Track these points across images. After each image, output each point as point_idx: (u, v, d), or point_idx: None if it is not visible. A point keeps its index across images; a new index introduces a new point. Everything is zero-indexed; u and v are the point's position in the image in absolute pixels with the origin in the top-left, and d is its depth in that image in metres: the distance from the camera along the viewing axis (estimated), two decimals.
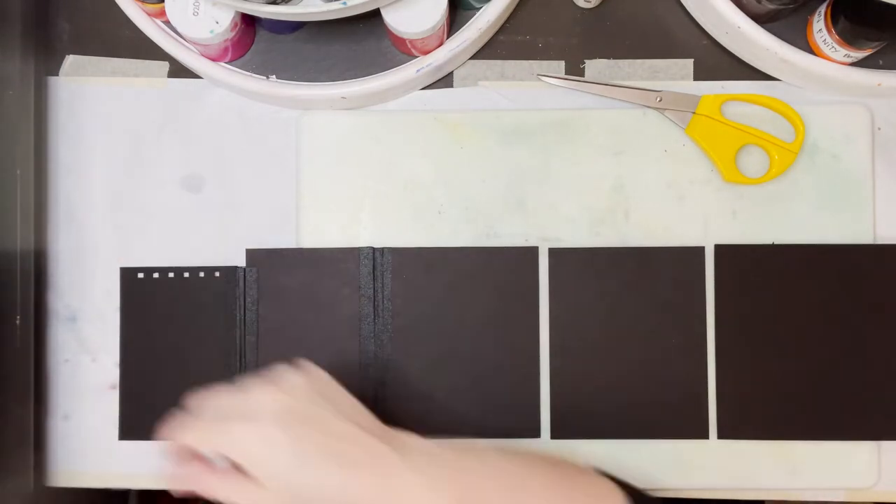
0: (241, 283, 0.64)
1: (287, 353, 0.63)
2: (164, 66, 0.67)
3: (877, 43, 0.57)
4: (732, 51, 0.65)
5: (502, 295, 0.63)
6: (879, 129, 0.65)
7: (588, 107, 0.64)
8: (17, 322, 0.62)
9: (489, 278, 0.63)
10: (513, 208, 0.64)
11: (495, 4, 0.61)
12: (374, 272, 0.64)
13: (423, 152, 0.65)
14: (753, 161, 0.64)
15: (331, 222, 0.65)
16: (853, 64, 0.61)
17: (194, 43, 0.61)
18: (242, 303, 0.64)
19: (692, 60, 0.65)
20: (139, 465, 0.65)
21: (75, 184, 0.67)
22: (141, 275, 0.65)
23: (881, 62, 0.62)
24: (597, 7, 0.66)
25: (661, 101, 0.63)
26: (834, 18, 0.58)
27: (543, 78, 0.64)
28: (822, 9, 0.59)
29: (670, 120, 0.64)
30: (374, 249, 0.64)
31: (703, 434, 0.63)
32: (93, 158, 0.67)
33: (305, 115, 0.65)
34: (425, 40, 0.60)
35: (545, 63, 0.66)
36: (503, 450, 0.51)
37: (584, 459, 0.63)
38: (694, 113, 0.63)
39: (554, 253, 0.64)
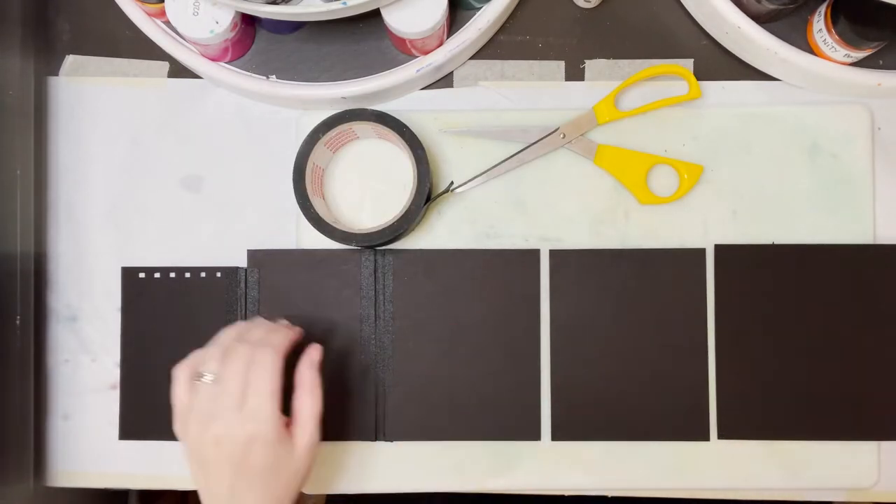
0: (243, 284, 0.64)
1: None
2: (164, 66, 0.67)
3: (877, 43, 0.57)
4: (732, 51, 0.65)
5: (503, 297, 0.63)
6: (879, 129, 0.65)
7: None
8: (17, 322, 0.62)
9: (490, 280, 0.63)
10: (513, 208, 0.64)
11: (495, 4, 0.61)
12: (375, 273, 0.64)
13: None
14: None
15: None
16: (853, 64, 0.61)
17: (194, 43, 0.61)
18: (244, 303, 0.64)
19: (692, 60, 0.65)
20: (139, 465, 0.65)
21: (75, 184, 0.67)
22: (142, 275, 0.65)
23: (881, 62, 0.62)
24: (597, 7, 0.66)
25: (564, 137, 0.64)
26: (834, 18, 0.58)
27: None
28: (822, 9, 0.59)
29: (578, 154, 0.64)
30: (375, 251, 0.64)
31: (703, 434, 0.63)
32: (93, 158, 0.67)
33: (305, 115, 0.65)
34: (425, 40, 0.60)
35: (545, 63, 0.66)
36: None
37: (585, 460, 0.63)
38: (598, 146, 0.63)
39: (555, 254, 0.64)
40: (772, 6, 0.58)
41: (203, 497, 0.52)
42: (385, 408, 0.63)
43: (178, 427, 0.53)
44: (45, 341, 0.66)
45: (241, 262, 0.65)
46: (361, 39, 0.63)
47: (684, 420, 0.63)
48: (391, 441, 0.63)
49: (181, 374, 0.53)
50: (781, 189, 0.64)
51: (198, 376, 0.53)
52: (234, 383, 0.51)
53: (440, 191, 0.63)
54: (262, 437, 0.51)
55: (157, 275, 0.65)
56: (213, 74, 0.63)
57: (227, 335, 0.55)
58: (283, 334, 0.55)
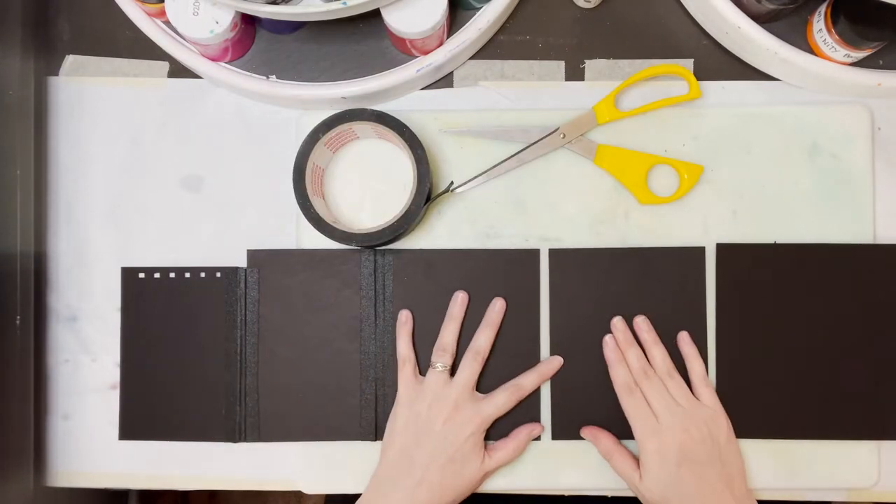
0: (243, 284, 0.64)
1: (288, 354, 0.63)
2: (164, 66, 0.67)
3: (877, 43, 0.57)
4: (732, 51, 0.65)
5: (503, 297, 0.63)
6: (879, 129, 0.65)
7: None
8: (17, 322, 0.62)
9: (490, 280, 0.63)
10: (513, 208, 0.64)
11: (495, 4, 0.61)
12: (374, 273, 0.64)
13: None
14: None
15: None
16: (853, 64, 0.61)
17: (194, 43, 0.61)
18: (243, 303, 0.64)
19: (692, 60, 0.65)
20: (139, 465, 0.65)
21: (75, 184, 0.67)
22: (142, 275, 0.65)
23: (881, 62, 0.62)
24: (597, 7, 0.66)
25: (564, 137, 0.64)
26: (834, 18, 0.58)
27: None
28: (822, 9, 0.59)
29: (578, 154, 0.64)
30: (375, 251, 0.64)
31: None
32: (93, 158, 0.67)
33: (305, 115, 0.65)
34: (425, 40, 0.60)
35: (545, 63, 0.66)
36: None
37: (585, 460, 0.63)
38: (598, 146, 0.63)
39: (554, 254, 0.64)
40: (772, 6, 0.58)
41: (393, 465, 0.60)
42: (385, 407, 0.63)
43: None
44: (45, 341, 0.66)
45: (241, 262, 0.65)
46: (361, 39, 0.63)
47: None
48: None
49: None
50: (781, 189, 0.64)
51: None
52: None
53: (440, 191, 0.63)
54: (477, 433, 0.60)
55: (157, 275, 0.65)
56: (213, 74, 0.63)
57: None
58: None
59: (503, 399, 0.61)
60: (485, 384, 0.63)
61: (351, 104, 0.64)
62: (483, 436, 0.61)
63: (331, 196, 0.65)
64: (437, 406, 0.60)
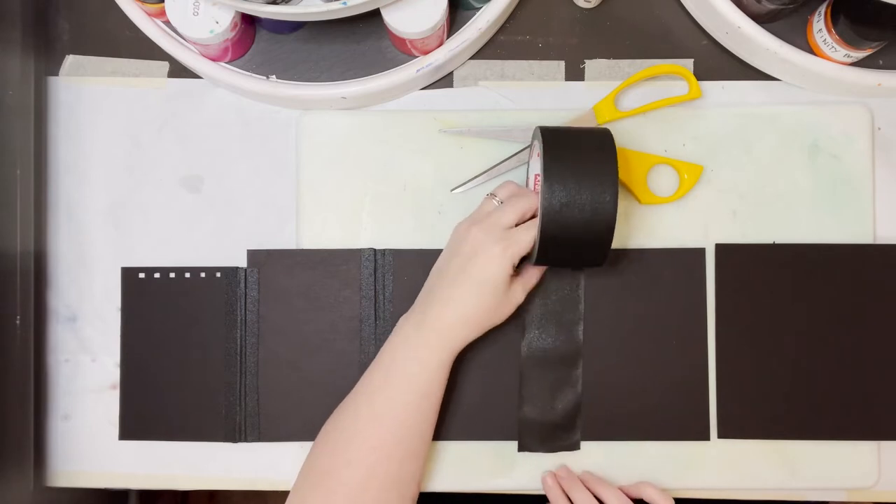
0: (243, 284, 0.64)
1: (288, 353, 0.63)
2: (164, 66, 0.67)
3: (877, 43, 0.57)
4: (732, 51, 0.65)
5: None
6: (879, 129, 0.65)
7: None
8: (17, 322, 0.62)
9: None
10: None
11: (495, 4, 0.61)
12: (375, 273, 0.64)
13: (423, 152, 0.65)
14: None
15: (331, 223, 0.65)
16: (853, 64, 0.61)
17: (194, 43, 0.61)
18: (243, 303, 0.64)
19: (692, 60, 0.65)
20: (139, 465, 0.65)
21: (75, 184, 0.67)
22: (142, 275, 0.65)
23: (881, 62, 0.62)
24: (597, 7, 0.66)
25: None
26: (834, 18, 0.58)
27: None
28: (822, 9, 0.59)
29: None
30: (375, 251, 0.64)
31: (703, 434, 0.63)
32: (93, 158, 0.67)
33: (305, 115, 0.65)
34: (425, 40, 0.60)
35: (545, 63, 0.66)
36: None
37: (585, 460, 0.63)
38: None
39: None
40: (772, 6, 0.58)
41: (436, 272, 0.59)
42: None
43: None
44: (45, 341, 0.66)
45: (241, 262, 0.65)
46: (361, 39, 0.63)
47: (684, 420, 0.63)
48: None
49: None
50: (781, 189, 0.64)
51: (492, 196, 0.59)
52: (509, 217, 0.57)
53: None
54: (499, 258, 0.56)
55: (157, 275, 0.65)
56: (213, 74, 0.63)
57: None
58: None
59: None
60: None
61: (351, 104, 0.64)
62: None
63: (331, 197, 0.65)
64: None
